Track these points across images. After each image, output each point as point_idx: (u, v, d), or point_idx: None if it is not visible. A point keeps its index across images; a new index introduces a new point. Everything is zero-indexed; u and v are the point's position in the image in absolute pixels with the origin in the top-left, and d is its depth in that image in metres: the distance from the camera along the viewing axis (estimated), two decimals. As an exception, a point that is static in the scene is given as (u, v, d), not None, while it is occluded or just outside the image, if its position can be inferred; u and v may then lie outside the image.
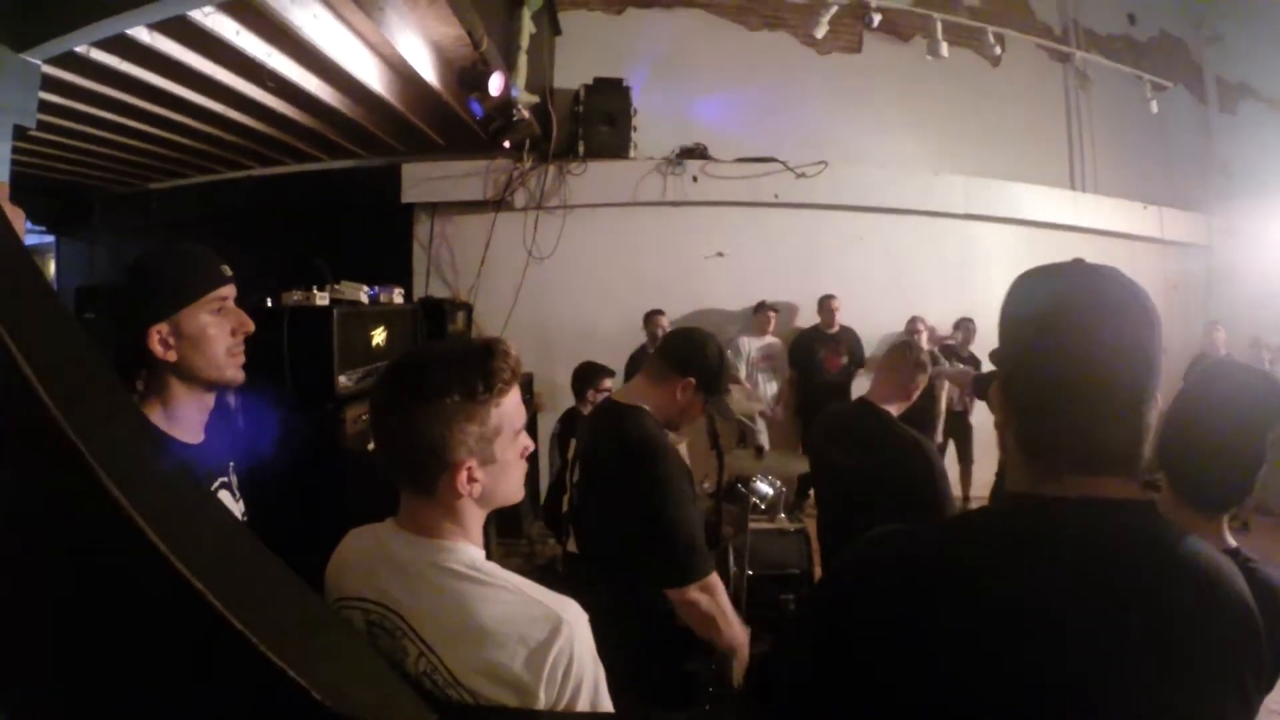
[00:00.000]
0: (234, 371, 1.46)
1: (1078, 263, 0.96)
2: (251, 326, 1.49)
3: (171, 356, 1.38)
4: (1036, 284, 0.96)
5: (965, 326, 6.62)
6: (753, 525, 3.87)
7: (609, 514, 2.05)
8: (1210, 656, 0.85)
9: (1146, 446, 0.90)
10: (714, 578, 1.96)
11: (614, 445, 2.06)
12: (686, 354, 2.15)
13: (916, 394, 2.77)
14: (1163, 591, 0.85)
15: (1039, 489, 0.91)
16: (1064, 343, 0.89)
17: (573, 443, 4.13)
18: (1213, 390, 1.50)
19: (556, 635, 1.06)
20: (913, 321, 6.57)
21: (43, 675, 0.78)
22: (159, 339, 1.37)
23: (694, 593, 1.91)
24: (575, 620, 1.10)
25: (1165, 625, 0.84)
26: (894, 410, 2.75)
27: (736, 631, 2.01)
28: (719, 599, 1.96)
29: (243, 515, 1.56)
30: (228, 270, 1.48)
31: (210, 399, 1.48)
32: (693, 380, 2.09)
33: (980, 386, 4.91)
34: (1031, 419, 0.93)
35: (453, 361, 1.15)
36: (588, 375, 4.35)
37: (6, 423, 0.76)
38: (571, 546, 2.43)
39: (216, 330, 1.43)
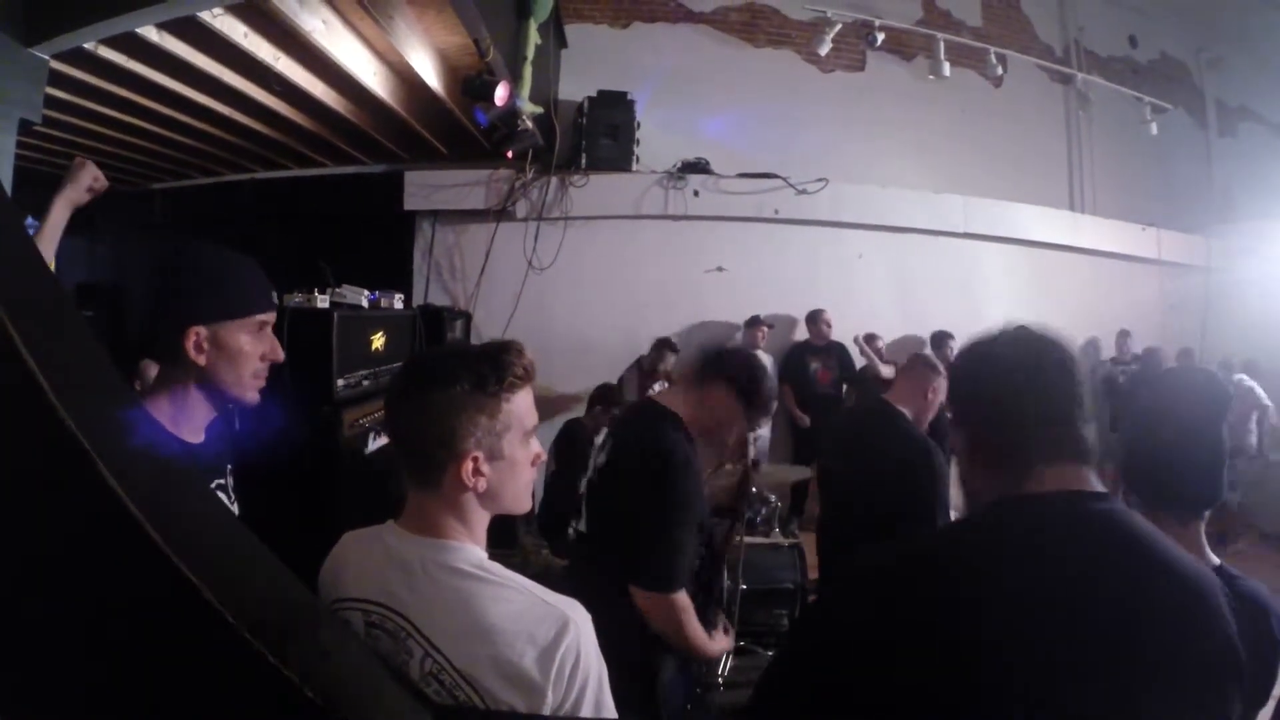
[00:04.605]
0: (253, 394, 1.47)
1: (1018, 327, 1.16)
2: (281, 356, 1.49)
3: (202, 360, 1.38)
4: (985, 347, 1.16)
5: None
6: (747, 540, 3.87)
7: (619, 504, 2.10)
8: (1189, 655, 0.93)
9: (1094, 444, 1.06)
10: (680, 598, 2.00)
11: (644, 444, 2.10)
12: (722, 356, 2.19)
13: (935, 398, 2.74)
14: (1144, 584, 0.95)
15: (1017, 489, 1.03)
16: (1014, 368, 1.08)
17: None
18: (1160, 397, 1.58)
19: (564, 634, 1.07)
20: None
21: (33, 668, 0.77)
22: (195, 340, 1.36)
23: (654, 602, 1.98)
24: (582, 620, 1.11)
25: (1148, 619, 0.93)
26: (911, 413, 2.73)
27: (702, 647, 2.08)
28: (681, 616, 2.01)
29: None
30: (275, 295, 1.49)
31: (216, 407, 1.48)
32: (727, 381, 2.11)
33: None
34: (1000, 428, 1.09)
35: (467, 355, 1.19)
36: (612, 394, 4.92)
37: (6, 412, 0.76)
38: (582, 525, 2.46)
39: (251, 350, 1.44)
